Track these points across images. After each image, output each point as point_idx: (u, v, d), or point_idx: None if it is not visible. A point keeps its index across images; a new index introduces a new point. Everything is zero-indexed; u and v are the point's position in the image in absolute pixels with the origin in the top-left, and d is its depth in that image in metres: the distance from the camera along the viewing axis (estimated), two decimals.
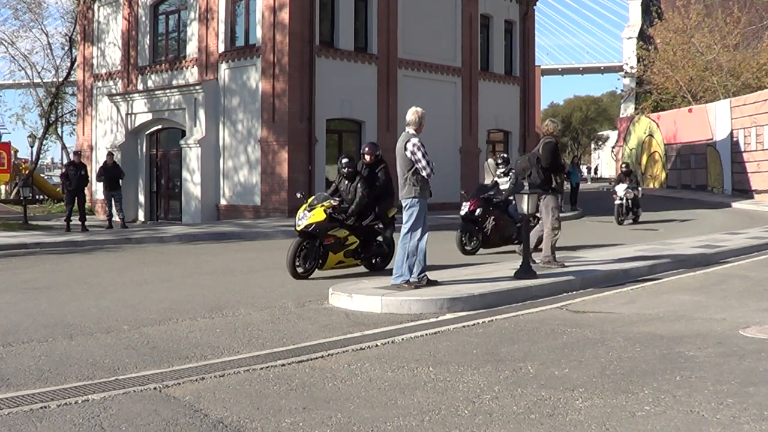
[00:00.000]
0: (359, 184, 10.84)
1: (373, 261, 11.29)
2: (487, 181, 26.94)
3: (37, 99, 36.35)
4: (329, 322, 7.65)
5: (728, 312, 7.78)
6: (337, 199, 10.76)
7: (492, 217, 13.59)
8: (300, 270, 10.47)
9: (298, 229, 10.57)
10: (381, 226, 11.18)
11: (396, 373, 5.54)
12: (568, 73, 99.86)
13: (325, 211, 10.52)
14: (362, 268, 11.17)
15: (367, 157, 11.16)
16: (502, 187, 14.50)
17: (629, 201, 21.08)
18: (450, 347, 6.41)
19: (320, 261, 10.67)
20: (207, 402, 4.85)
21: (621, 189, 21.09)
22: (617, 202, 21.09)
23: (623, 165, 23.24)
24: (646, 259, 11.45)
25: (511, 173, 14.22)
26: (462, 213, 13.78)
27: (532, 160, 10.48)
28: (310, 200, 10.92)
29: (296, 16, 22.62)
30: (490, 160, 26.02)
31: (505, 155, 15.43)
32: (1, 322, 7.55)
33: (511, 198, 13.68)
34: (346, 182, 11.03)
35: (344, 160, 11.09)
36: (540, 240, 10.85)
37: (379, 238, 11.30)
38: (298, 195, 11.81)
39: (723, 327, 7.02)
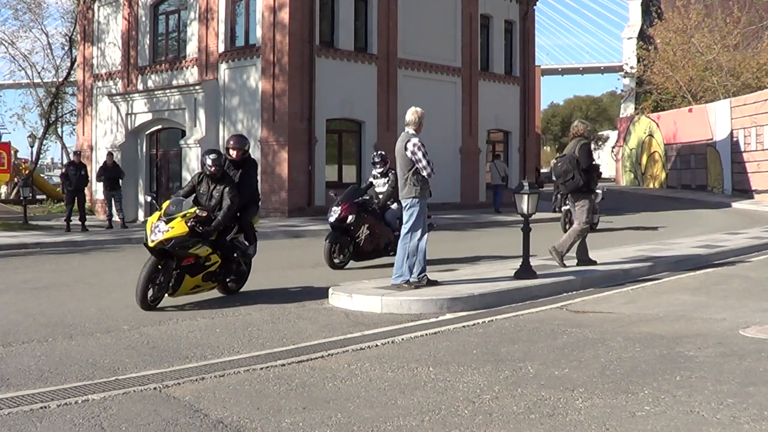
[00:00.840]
0: (227, 189, 8.73)
1: (228, 283, 9.22)
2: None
3: (37, 99, 36.32)
4: (329, 322, 7.65)
5: (728, 312, 7.78)
6: (202, 207, 8.59)
7: (366, 226, 11.67)
8: (149, 297, 8.24)
9: (151, 245, 8.17)
10: (242, 240, 9.36)
11: (396, 373, 5.54)
12: (568, 73, 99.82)
13: (187, 222, 8.26)
14: (215, 293, 9.20)
15: (234, 153, 9.29)
16: (378, 189, 12.36)
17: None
18: (450, 347, 6.41)
19: (172, 285, 8.42)
20: (207, 402, 4.85)
21: None
22: (565, 207, 17.45)
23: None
24: (646, 259, 11.45)
25: (390, 174, 12.10)
26: (331, 220, 11.70)
27: (573, 162, 10.28)
28: (165, 205, 8.53)
29: (296, 16, 22.63)
30: (503, 164, 26.19)
31: (383, 152, 12.75)
32: (1, 322, 7.56)
33: (389, 203, 12.16)
34: (209, 183, 8.88)
35: (212, 156, 8.83)
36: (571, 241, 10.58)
37: (236, 255, 9.24)
38: (149, 198, 9.43)
39: (723, 327, 7.02)
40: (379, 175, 12.39)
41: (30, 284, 10.46)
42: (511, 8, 30.27)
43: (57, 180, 46.02)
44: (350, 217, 11.51)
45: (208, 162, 8.79)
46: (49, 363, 5.91)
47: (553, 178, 26.06)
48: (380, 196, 12.14)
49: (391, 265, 11.55)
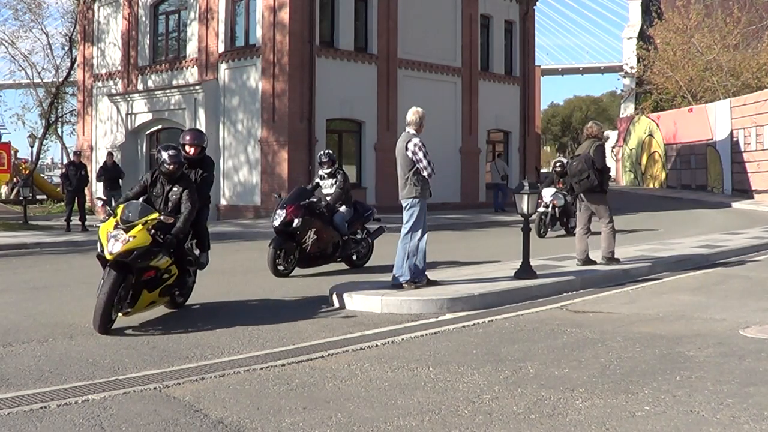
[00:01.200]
0: (186, 192, 7.61)
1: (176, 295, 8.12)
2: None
3: (37, 99, 36.31)
4: (329, 322, 7.65)
5: (728, 312, 7.78)
6: (168, 213, 7.42)
7: (313, 230, 10.84)
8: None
9: (110, 257, 6.89)
10: (191, 248, 8.41)
11: (396, 373, 5.54)
12: (568, 73, 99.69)
13: (149, 230, 7.10)
14: (163, 308, 8.15)
15: (191, 150, 8.23)
16: (326, 191, 11.60)
17: (557, 210, 17.04)
18: (450, 347, 6.41)
19: (129, 302, 7.21)
20: (207, 402, 4.85)
21: (547, 194, 16.94)
22: (540, 209, 16.68)
23: (557, 164, 18.25)
24: (646, 259, 11.45)
25: (338, 174, 11.57)
26: (275, 224, 10.79)
27: (588, 162, 10.46)
28: (119, 210, 7.25)
29: (296, 16, 22.63)
30: (503, 163, 26.21)
31: (330, 152, 12.11)
32: (1, 322, 7.55)
33: (338, 205, 11.46)
34: (163, 184, 7.71)
35: (170, 152, 7.65)
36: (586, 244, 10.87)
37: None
38: (99, 203, 7.61)
39: (723, 327, 7.02)
40: (326, 176, 11.65)
41: (30, 284, 10.45)
42: (511, 8, 30.28)
43: (57, 180, 46.01)
44: (296, 221, 10.59)
45: (165, 158, 7.59)
46: (49, 363, 5.91)
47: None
48: (328, 198, 11.39)
49: (340, 271, 11.14)
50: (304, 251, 10.90)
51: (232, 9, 24.45)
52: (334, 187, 11.50)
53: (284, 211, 10.72)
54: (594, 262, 10.65)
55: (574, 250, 10.92)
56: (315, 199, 11.17)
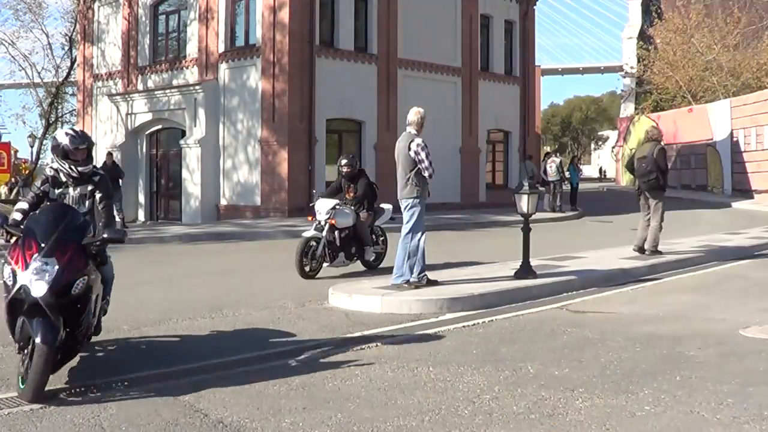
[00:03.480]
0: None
1: None
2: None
3: (37, 99, 36.30)
4: (329, 322, 7.65)
5: (728, 312, 7.78)
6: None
7: (96, 295, 5.50)
8: None
9: None
10: None
11: (396, 373, 5.54)
12: (568, 73, 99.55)
13: None
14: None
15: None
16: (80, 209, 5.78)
17: (339, 235, 10.60)
18: (450, 347, 6.42)
19: None
20: (207, 402, 4.85)
21: (324, 208, 10.60)
22: (309, 233, 10.68)
23: (344, 165, 11.11)
24: (646, 259, 11.45)
25: (102, 184, 5.98)
26: (37, 293, 4.91)
27: (654, 164, 11.43)
28: None
29: (296, 16, 22.62)
30: (532, 165, 26.01)
31: (83, 130, 7.20)
32: (1, 322, 7.55)
33: (103, 231, 5.54)
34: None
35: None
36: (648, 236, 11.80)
37: None
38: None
39: (723, 327, 7.03)
40: (75, 182, 5.96)
41: None
42: (511, 8, 30.26)
43: None
44: (81, 281, 5.13)
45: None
46: None
47: (548, 179, 25.95)
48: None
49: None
50: (74, 339, 5.28)
51: (232, 9, 24.44)
52: (101, 206, 5.90)
53: (54, 260, 5.03)
54: (644, 251, 11.56)
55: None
56: (108, 235, 5.47)
